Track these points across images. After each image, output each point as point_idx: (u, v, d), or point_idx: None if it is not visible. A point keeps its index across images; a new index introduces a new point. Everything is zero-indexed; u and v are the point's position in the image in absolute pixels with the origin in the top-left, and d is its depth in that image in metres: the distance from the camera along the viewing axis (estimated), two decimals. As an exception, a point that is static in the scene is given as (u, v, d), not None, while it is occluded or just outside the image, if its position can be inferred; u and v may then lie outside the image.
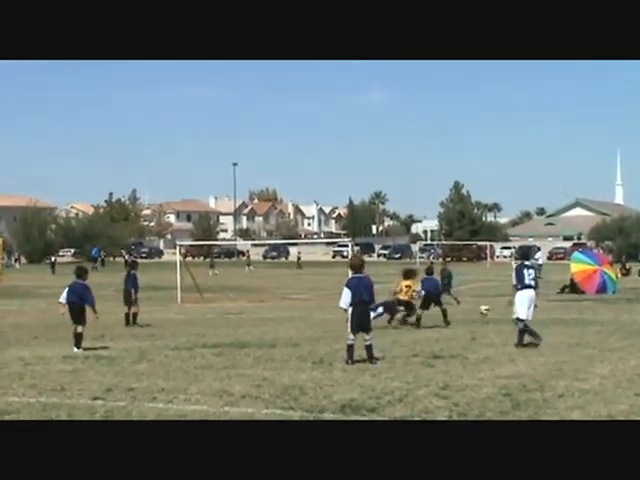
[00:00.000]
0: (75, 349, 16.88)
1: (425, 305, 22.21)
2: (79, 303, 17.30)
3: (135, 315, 23.15)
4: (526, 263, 18.01)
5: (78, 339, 17.11)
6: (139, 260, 36.94)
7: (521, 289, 17.19)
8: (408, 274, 22.96)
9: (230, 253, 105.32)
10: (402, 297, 22.41)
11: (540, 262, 59.18)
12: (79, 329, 17.17)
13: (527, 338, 17.12)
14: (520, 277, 17.25)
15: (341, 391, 11.88)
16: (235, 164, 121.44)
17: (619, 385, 12.36)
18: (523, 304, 17.08)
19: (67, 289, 17.55)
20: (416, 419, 9.87)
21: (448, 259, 61.08)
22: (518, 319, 17.13)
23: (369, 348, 14.81)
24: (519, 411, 10.46)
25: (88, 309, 17.33)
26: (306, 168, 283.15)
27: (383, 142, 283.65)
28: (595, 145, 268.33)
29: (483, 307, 24.59)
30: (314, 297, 37.16)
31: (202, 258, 72.02)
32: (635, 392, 11.71)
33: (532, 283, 17.20)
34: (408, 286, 22.50)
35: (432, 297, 22.24)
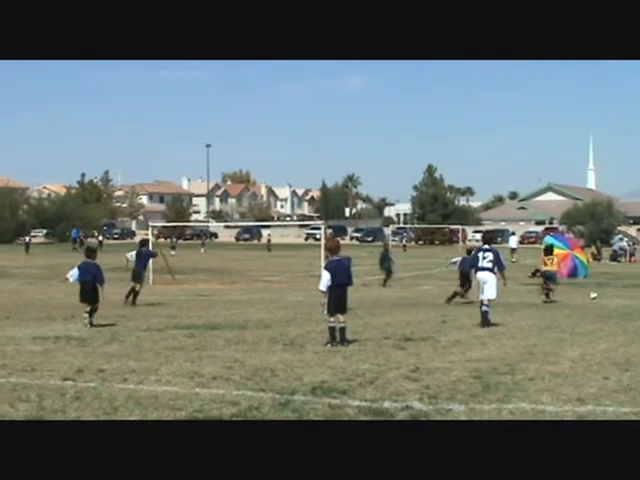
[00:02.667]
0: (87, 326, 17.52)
1: (464, 282, 24.15)
2: (92, 282, 17.99)
3: (137, 294, 23.59)
4: (484, 247, 18.39)
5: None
6: (111, 241, 36.60)
7: (475, 272, 18.21)
8: (546, 251, 25.95)
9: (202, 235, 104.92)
10: (546, 268, 25.28)
11: (514, 246, 59.56)
12: (88, 308, 17.82)
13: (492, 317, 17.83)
14: (475, 261, 18.34)
15: (312, 373, 11.87)
16: (208, 146, 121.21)
17: (589, 369, 12.42)
18: (479, 287, 17.95)
19: (77, 269, 18.27)
20: (407, 419, 9.74)
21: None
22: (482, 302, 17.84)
23: (342, 330, 14.82)
24: (489, 394, 10.47)
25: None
26: (279, 150, 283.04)
27: (357, 125, 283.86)
28: (568, 130, 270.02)
29: (592, 294, 25.92)
30: (286, 279, 37.15)
31: (175, 239, 71.88)
32: (604, 376, 11.78)
33: (487, 265, 17.79)
34: (550, 259, 25.33)
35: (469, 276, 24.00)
